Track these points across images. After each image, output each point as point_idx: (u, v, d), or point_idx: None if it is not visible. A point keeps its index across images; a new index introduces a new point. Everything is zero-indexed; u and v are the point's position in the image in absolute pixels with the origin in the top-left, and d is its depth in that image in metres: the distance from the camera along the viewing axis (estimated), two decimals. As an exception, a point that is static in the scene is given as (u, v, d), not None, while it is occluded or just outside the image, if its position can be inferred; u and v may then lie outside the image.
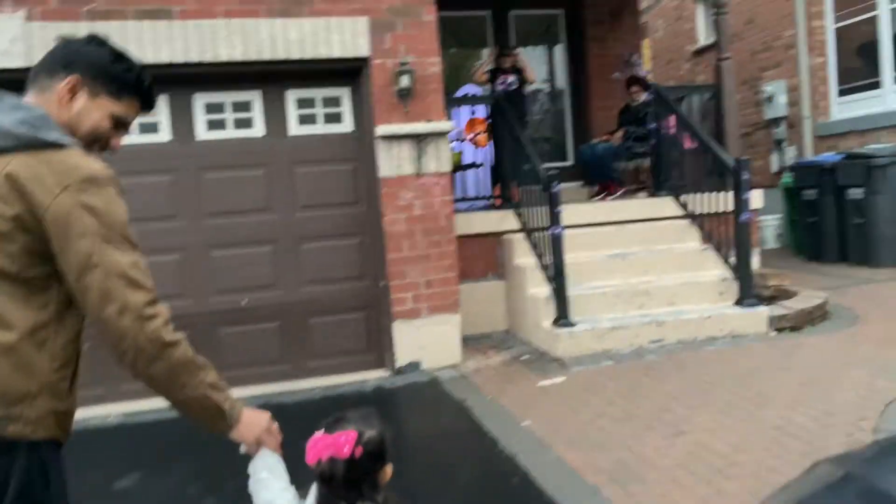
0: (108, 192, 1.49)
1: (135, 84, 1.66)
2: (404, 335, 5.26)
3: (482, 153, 7.27)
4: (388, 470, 1.54)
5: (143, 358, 1.45)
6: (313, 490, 1.52)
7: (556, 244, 5.25)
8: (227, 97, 5.18)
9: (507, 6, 8.64)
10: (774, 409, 3.80)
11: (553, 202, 5.26)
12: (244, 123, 5.22)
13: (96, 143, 1.63)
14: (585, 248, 6.01)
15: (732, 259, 5.60)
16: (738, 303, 5.50)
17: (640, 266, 5.83)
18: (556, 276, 5.27)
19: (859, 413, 3.65)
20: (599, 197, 7.77)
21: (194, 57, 4.80)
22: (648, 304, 5.52)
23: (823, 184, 8.38)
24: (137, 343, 1.44)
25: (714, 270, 5.90)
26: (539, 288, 5.51)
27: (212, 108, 5.16)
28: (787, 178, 9.30)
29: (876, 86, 8.63)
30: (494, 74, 7.62)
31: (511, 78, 7.51)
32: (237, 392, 1.65)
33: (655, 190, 6.73)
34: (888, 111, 8.35)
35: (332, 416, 1.54)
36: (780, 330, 5.37)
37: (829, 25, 9.18)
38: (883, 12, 8.44)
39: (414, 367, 5.24)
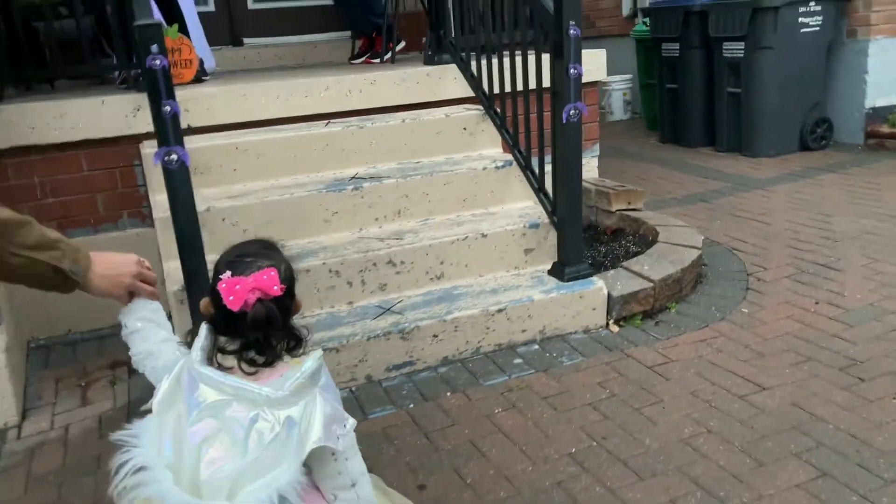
0: None
1: None
2: None
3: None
4: (299, 302, 1.37)
5: None
6: (202, 336, 1.30)
7: (173, 183, 2.45)
8: None
9: None
10: None
11: (153, 88, 2.39)
12: None
13: None
14: (294, 167, 3.26)
15: (550, 183, 3.04)
16: (557, 272, 3.01)
17: (390, 203, 3.16)
18: (182, 247, 2.50)
19: None
20: (360, 59, 4.90)
21: None
22: (396, 283, 2.91)
23: (689, 35, 5.93)
24: None
25: (518, 204, 3.35)
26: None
27: None
28: (640, 26, 6.77)
29: None
30: None
31: None
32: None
33: (435, 51, 3.95)
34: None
35: (230, 253, 1.32)
36: (625, 320, 2.97)
37: None
38: None
39: None
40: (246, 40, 5.59)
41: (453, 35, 3.83)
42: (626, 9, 7.59)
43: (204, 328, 1.32)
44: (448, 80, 3.79)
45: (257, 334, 1.26)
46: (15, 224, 1.25)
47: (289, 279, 1.31)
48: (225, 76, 4.22)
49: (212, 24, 5.36)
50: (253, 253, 1.31)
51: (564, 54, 2.73)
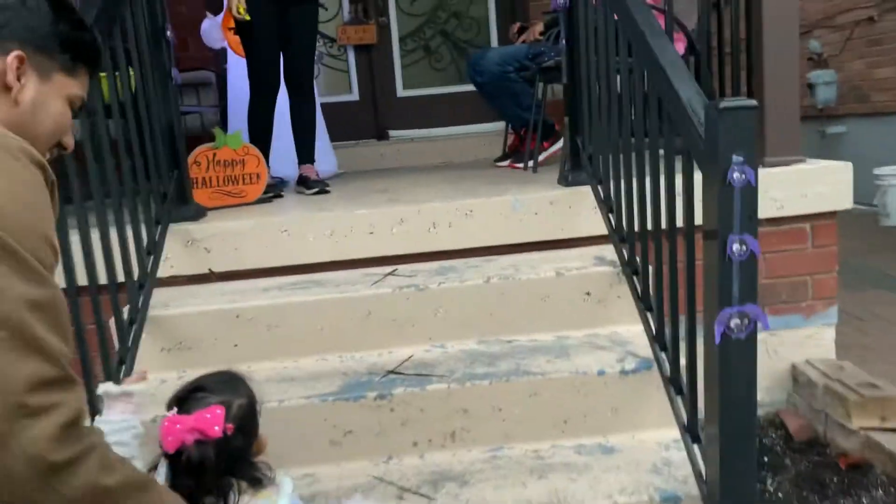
0: None
1: (91, 45, 1.14)
2: None
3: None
4: (264, 440, 1.28)
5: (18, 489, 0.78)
6: (160, 474, 1.17)
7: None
8: None
9: None
10: None
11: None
12: None
13: (56, 147, 1.10)
14: (319, 344, 2.24)
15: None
16: None
17: (439, 419, 1.98)
18: None
19: None
20: (505, 162, 3.83)
21: None
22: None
23: None
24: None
25: (656, 434, 1.98)
26: None
27: None
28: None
29: None
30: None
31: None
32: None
33: (571, 167, 2.74)
34: None
35: (185, 388, 1.23)
36: None
37: None
38: None
39: None
40: (392, 133, 4.80)
41: (591, 147, 2.60)
42: None
43: (163, 464, 1.17)
44: (581, 210, 2.56)
45: (189, 481, 1.14)
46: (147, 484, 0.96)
47: (244, 417, 1.20)
48: (335, 185, 3.37)
49: (354, 116, 4.66)
50: (208, 387, 1.22)
51: (720, 216, 1.42)
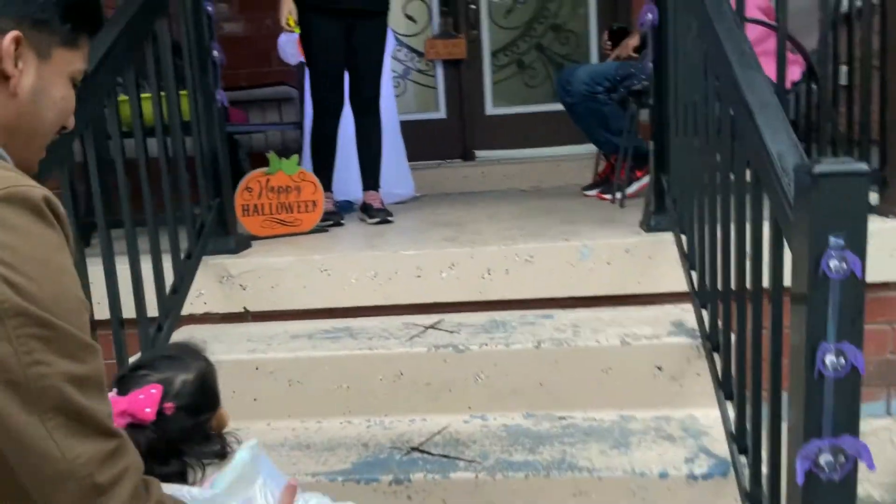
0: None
1: (94, 8, 0.99)
2: None
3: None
4: (223, 415, 1.16)
5: None
6: None
7: None
8: None
9: None
10: None
11: None
12: None
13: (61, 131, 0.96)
14: (345, 405, 1.99)
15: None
16: None
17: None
18: None
19: None
20: (593, 192, 3.47)
21: None
22: None
23: None
24: None
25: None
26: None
27: None
28: None
29: None
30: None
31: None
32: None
33: (655, 209, 2.35)
34: None
35: (130, 365, 1.16)
36: None
37: None
38: None
39: None
40: (478, 153, 4.52)
41: (677, 189, 2.21)
42: None
43: None
44: (662, 262, 2.18)
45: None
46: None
47: (191, 394, 1.10)
48: (399, 214, 3.13)
49: (439, 134, 4.43)
50: (150, 364, 1.13)
51: (809, 317, 1.05)
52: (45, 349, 0.74)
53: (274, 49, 3.87)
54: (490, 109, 4.52)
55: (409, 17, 4.53)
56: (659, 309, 2.13)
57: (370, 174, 3.15)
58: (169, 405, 1.07)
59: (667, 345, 1.89)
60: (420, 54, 4.52)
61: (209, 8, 2.38)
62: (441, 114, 4.54)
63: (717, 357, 1.74)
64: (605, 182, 3.44)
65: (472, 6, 4.45)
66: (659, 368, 1.90)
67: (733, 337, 1.56)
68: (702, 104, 1.78)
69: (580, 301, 2.23)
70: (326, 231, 2.87)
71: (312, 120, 3.11)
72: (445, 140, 4.46)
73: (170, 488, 0.98)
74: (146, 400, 1.06)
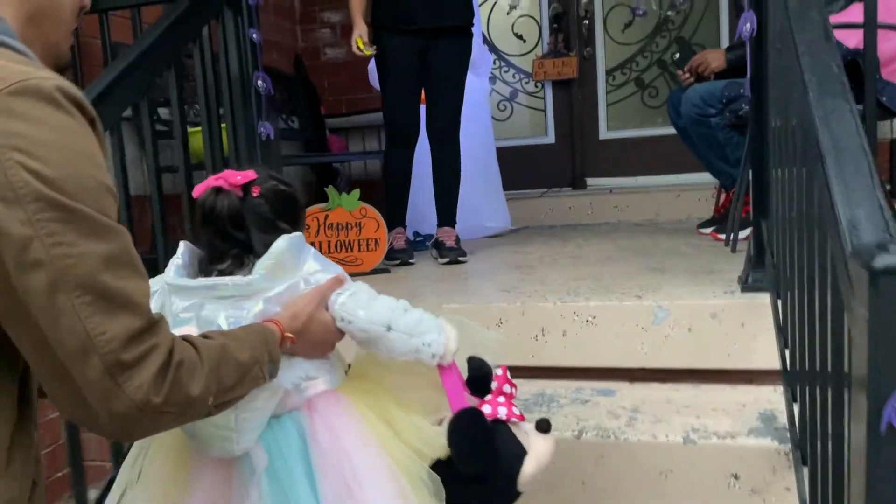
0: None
1: None
2: None
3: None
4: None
5: (135, 428, 0.86)
6: (178, 254, 1.19)
7: None
8: None
9: None
10: None
11: None
12: None
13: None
14: None
15: None
16: None
17: None
18: None
19: None
20: (708, 230, 3.00)
21: None
22: None
23: None
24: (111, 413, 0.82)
25: None
26: None
27: None
28: None
29: None
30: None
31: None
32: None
33: (754, 265, 1.89)
34: None
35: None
36: None
37: None
38: None
39: None
40: (590, 181, 4.13)
41: (774, 240, 1.75)
42: None
43: (182, 245, 1.21)
44: (758, 331, 1.73)
45: (208, 230, 1.17)
46: (222, 355, 0.94)
47: (276, 194, 1.20)
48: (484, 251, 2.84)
49: (548, 160, 4.10)
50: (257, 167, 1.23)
51: (869, 476, 0.65)
52: (65, 230, 0.76)
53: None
54: (604, 133, 4.11)
55: (518, 36, 4.23)
56: (748, 392, 1.68)
57: (445, 209, 2.87)
58: (256, 188, 1.17)
59: (744, 448, 1.46)
60: (528, 75, 4.20)
61: (253, 35, 2.22)
62: (549, 139, 4.19)
63: (805, 472, 1.30)
64: (723, 219, 2.96)
65: (586, 21, 4.08)
66: (735, 477, 1.47)
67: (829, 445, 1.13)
68: (790, 139, 1.35)
69: (653, 374, 1.83)
70: (388, 272, 2.63)
71: (385, 149, 2.89)
72: (553, 167, 4.11)
73: (212, 282, 1.11)
74: (243, 176, 1.17)
